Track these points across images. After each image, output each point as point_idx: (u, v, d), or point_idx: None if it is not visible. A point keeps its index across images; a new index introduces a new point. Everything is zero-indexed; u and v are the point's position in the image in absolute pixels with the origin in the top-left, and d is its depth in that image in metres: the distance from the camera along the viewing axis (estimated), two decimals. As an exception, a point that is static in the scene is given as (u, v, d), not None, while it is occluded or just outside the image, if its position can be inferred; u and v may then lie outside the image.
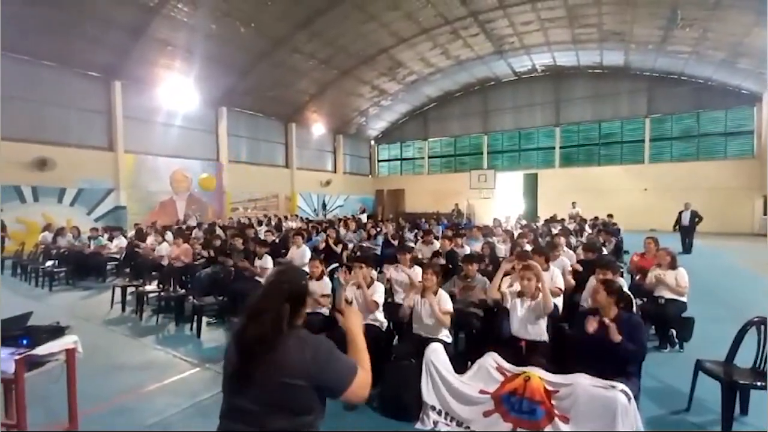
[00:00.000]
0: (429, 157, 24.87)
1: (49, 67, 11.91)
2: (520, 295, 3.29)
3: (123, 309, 6.11)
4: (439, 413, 3.04)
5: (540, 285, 3.21)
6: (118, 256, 8.52)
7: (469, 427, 2.94)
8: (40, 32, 10.94)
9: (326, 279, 4.23)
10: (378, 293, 3.69)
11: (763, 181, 16.19)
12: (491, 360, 3.03)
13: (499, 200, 21.55)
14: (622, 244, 7.17)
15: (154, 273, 6.79)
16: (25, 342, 2.61)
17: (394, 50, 17.06)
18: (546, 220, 10.97)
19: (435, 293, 3.47)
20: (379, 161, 26.87)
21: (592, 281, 4.18)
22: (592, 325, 2.68)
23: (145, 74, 13.93)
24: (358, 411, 3.24)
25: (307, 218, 16.94)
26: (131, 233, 9.92)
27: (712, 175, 17.33)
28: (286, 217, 16.01)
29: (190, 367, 4.14)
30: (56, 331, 2.82)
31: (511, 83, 21.71)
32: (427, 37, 16.41)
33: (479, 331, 3.83)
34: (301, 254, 6.66)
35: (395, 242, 9.53)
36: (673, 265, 4.61)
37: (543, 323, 3.18)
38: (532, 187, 21.51)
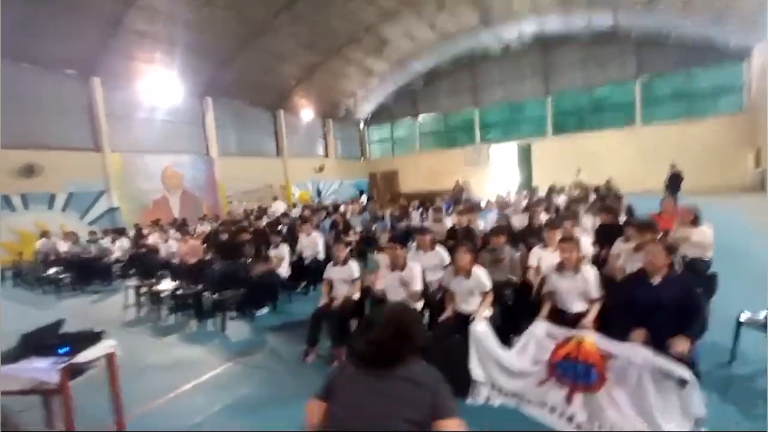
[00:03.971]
0: (420, 135, 24.61)
1: (23, 68, 11.32)
2: (561, 268, 3.23)
3: (138, 310, 5.98)
4: (492, 387, 3.02)
5: (582, 257, 3.15)
6: (123, 258, 8.31)
7: (522, 398, 2.93)
8: (9, 32, 10.34)
9: (351, 263, 4.13)
10: (416, 277, 3.60)
11: (754, 135, 16.38)
12: (540, 329, 2.99)
13: (493, 174, 21.53)
14: (633, 208, 7.18)
15: (162, 272, 6.65)
16: (64, 350, 2.49)
17: (380, 27, 16.60)
18: (549, 189, 10.93)
19: (470, 270, 3.41)
20: (370, 143, 26.54)
21: (620, 246, 4.17)
22: (640, 337, 2.61)
23: (125, 68, 13.35)
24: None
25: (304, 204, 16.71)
26: (131, 233, 9.68)
27: (704, 133, 17.43)
28: (275, 198, 15.88)
29: (221, 363, 4.06)
30: (93, 337, 2.72)
31: (500, 55, 21.36)
32: (412, 10, 15.97)
33: (514, 305, 3.79)
34: (313, 242, 6.54)
35: (401, 223, 9.49)
36: (696, 223, 4.60)
37: (588, 296, 3.13)
38: (525, 157, 21.48)
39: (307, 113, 20.65)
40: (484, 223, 6.94)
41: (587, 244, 4.16)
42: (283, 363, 3.96)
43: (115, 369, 2.77)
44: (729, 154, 17.00)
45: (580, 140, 19.95)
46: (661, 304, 2.60)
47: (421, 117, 24.28)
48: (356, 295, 4.04)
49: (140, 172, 14.17)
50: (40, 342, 2.53)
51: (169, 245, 7.34)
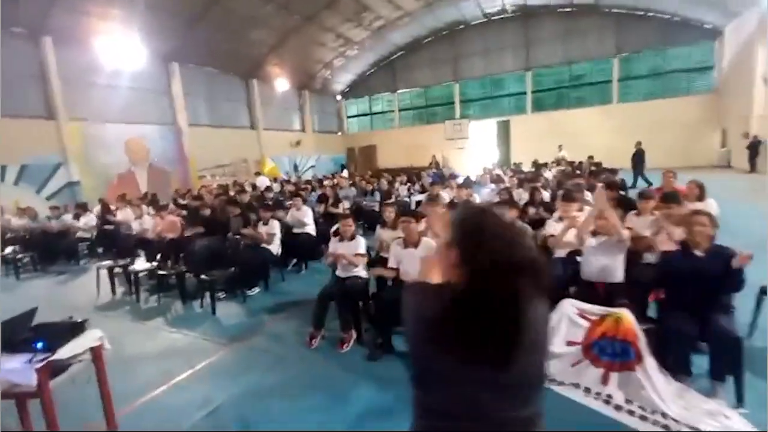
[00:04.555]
0: (399, 110, 24.06)
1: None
2: (593, 234, 3.06)
3: (113, 292, 5.46)
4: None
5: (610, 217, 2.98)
6: (89, 236, 7.61)
7: (554, 380, 2.79)
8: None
9: (360, 238, 3.82)
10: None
11: (722, 116, 17.00)
12: (570, 307, 2.83)
13: (472, 150, 21.44)
14: (625, 183, 7.21)
15: (137, 250, 6.11)
16: (41, 345, 2.09)
17: (360, -10, 15.74)
18: (536, 165, 10.90)
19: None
20: (348, 117, 25.74)
21: (632, 219, 4.07)
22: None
23: (78, 26, 11.96)
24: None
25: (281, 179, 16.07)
26: (96, 209, 8.90)
27: (676, 112, 17.89)
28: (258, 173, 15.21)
29: (217, 348, 3.72)
30: (75, 328, 2.32)
31: (481, 26, 20.92)
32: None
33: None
34: (303, 217, 6.16)
35: (392, 197, 9.18)
36: (701, 197, 4.57)
37: (620, 262, 2.99)
38: (504, 134, 21.49)
39: (282, 83, 19.59)
40: (479, 198, 6.78)
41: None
42: (286, 347, 3.66)
43: (102, 364, 2.39)
44: (698, 133, 17.59)
45: (558, 117, 20.07)
46: (706, 277, 2.48)
47: (400, 91, 23.66)
48: (364, 273, 3.76)
49: (102, 143, 13.04)
50: (11, 336, 2.10)
51: (143, 221, 6.73)
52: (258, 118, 19.03)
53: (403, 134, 23.71)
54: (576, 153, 15.40)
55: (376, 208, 8.41)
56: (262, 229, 5.41)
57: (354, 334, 3.51)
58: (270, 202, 6.67)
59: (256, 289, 5.15)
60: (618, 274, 3.02)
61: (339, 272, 3.78)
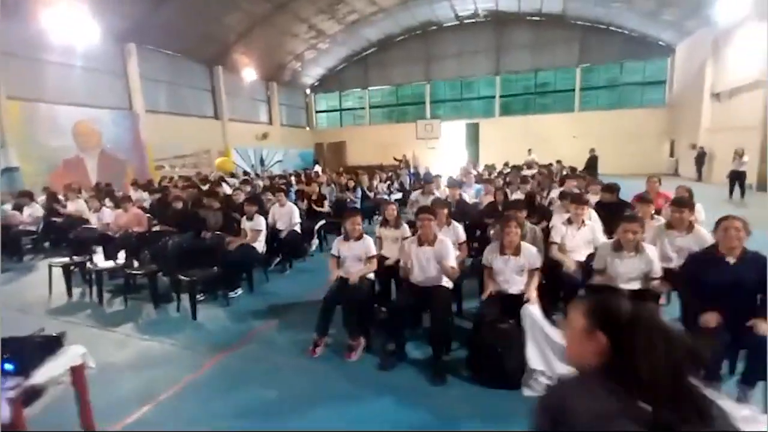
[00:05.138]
0: (370, 107, 23.79)
1: None
2: (616, 249, 2.98)
3: (69, 293, 4.78)
4: (549, 377, 2.73)
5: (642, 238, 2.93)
6: (34, 228, 6.71)
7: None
8: None
9: (368, 237, 3.53)
10: (451, 254, 3.14)
11: (671, 128, 18.29)
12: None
13: (442, 150, 21.60)
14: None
15: (95, 246, 5.43)
16: (10, 368, 1.66)
17: (336, -19, 15.30)
18: (514, 167, 11.06)
19: (520, 247, 3.04)
20: (317, 112, 25.08)
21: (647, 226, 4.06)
22: (714, 320, 2.43)
23: (20, -6, 10.67)
24: (449, 385, 2.81)
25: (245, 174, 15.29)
26: (41, 199, 7.91)
27: (630, 122, 19.05)
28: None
29: (202, 358, 3.29)
30: (51, 344, 1.87)
31: (454, 28, 21.14)
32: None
33: (547, 284, 3.52)
34: (288, 213, 5.76)
35: (371, 194, 8.95)
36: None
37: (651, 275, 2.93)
38: (473, 136, 21.85)
39: (249, 73, 18.68)
40: (468, 197, 6.69)
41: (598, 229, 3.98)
42: (283, 356, 3.31)
43: (85, 387, 1.97)
44: (650, 143, 18.83)
45: (525, 122, 20.70)
46: (740, 285, 2.45)
47: (371, 88, 23.38)
48: (371, 275, 3.50)
49: (46, 126, 11.71)
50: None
51: (102, 214, 6.01)
52: (223, 107, 18.02)
53: (374, 132, 23.47)
54: (541, 157, 15.90)
55: (358, 205, 8.14)
56: (247, 224, 4.97)
57: (363, 341, 3.24)
58: (250, 196, 6.19)
59: (239, 291, 4.71)
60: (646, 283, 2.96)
61: (344, 273, 3.47)
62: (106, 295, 4.69)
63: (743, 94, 12.90)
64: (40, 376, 1.69)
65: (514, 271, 3.03)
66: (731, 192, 10.70)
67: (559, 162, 13.57)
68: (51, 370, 1.75)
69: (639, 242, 2.90)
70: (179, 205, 5.70)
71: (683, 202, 3.41)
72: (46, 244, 7.07)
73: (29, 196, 7.08)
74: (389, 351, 3.12)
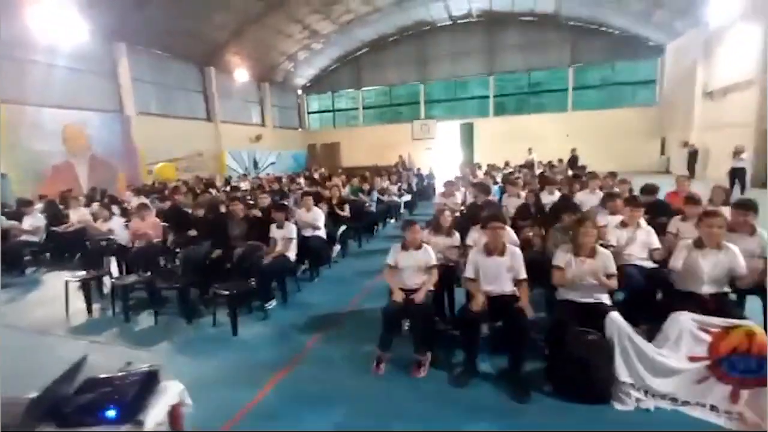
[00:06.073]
0: (364, 108, 23.59)
1: None
2: (698, 246, 2.90)
3: (90, 311, 4.46)
4: (639, 390, 2.62)
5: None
6: (36, 239, 6.29)
7: (676, 400, 2.59)
8: None
9: (428, 247, 3.36)
10: (522, 264, 3.01)
11: (662, 126, 18.68)
12: (689, 321, 2.64)
13: (437, 151, 21.59)
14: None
15: (106, 257, 5.12)
16: (112, 415, 1.43)
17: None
18: (521, 167, 11.05)
19: (594, 251, 2.93)
20: (309, 113, 24.73)
21: (677, 224, 4.01)
22: None
23: (5, -9, 10.11)
24: (534, 401, 2.68)
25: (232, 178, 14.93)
26: (38, 206, 7.46)
27: (622, 121, 19.39)
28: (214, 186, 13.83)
29: (261, 380, 3.04)
30: (149, 381, 1.65)
31: (447, 28, 21.13)
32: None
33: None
34: (313, 218, 5.55)
35: (383, 197, 8.79)
36: (726, 202, 4.70)
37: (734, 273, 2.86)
38: (468, 136, 21.89)
39: (241, 74, 18.26)
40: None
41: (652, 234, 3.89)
42: (344, 375, 3.11)
43: (182, 427, 1.74)
44: (641, 141, 19.18)
45: (519, 121, 20.86)
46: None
47: (364, 89, 23.18)
48: (431, 287, 3.33)
49: (33, 129, 11.15)
50: (59, 407, 1.42)
51: (112, 223, 5.67)
52: (215, 109, 17.55)
53: (368, 133, 23.28)
54: (538, 156, 16.02)
55: (374, 209, 7.96)
56: (276, 233, 4.74)
57: (429, 356, 3.08)
58: (283, 202, 5.95)
59: (273, 302, 4.48)
60: (725, 285, 2.90)
61: (403, 284, 3.30)
62: (124, 311, 4.38)
63: (736, 93, 13.22)
64: (149, 422, 1.47)
65: (590, 275, 2.91)
66: (731, 189, 10.93)
67: (560, 161, 13.67)
68: (157, 414, 1.53)
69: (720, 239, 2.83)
70: (200, 212, 5.42)
71: (749, 205, 3.36)
72: (47, 255, 6.66)
73: (30, 204, 6.64)
74: (460, 365, 2.97)
